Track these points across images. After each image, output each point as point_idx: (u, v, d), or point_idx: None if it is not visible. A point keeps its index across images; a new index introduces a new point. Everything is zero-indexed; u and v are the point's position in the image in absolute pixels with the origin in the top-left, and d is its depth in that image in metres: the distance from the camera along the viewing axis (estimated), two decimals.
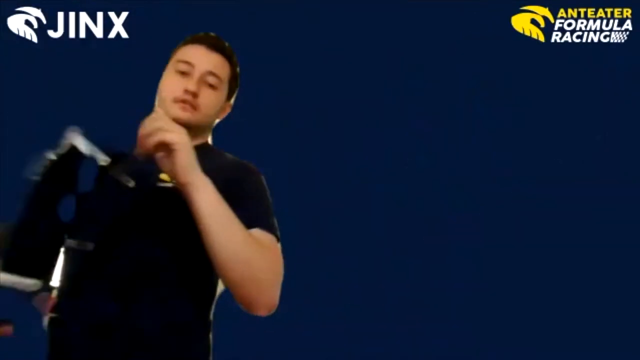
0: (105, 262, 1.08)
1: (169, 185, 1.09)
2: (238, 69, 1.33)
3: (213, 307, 1.17)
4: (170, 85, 1.25)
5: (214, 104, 1.27)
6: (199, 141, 1.25)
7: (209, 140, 1.33)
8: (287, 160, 2.32)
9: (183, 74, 1.24)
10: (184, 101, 1.23)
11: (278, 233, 1.14)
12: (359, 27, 2.44)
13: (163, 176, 1.12)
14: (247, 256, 1.04)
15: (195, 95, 1.23)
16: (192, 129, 1.20)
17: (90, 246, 1.08)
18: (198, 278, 1.11)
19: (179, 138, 1.01)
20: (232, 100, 1.36)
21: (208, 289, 1.14)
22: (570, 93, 2.42)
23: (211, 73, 1.25)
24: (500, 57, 2.42)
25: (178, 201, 1.04)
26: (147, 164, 1.03)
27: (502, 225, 2.38)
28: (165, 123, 1.02)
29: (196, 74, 1.24)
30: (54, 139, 1.06)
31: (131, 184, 1.03)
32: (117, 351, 1.04)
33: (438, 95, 2.44)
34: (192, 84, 1.23)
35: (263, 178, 1.22)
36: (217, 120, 1.34)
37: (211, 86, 1.25)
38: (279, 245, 1.13)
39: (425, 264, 2.37)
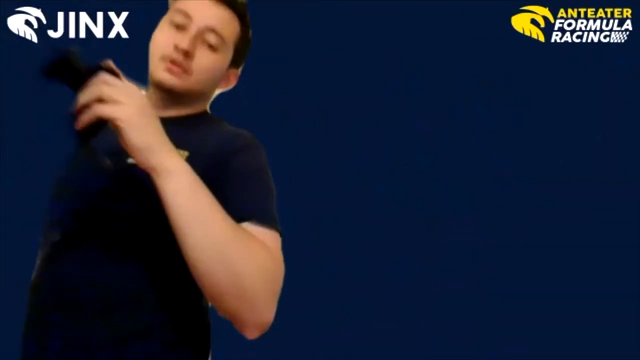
0: (71, 250, 0.91)
1: None
2: (250, 32, 1.09)
3: (203, 302, 0.94)
4: (160, 39, 1.03)
5: (210, 68, 1.03)
6: (190, 111, 1.05)
7: (208, 109, 1.11)
8: (287, 159, 2.32)
9: (178, 27, 1.01)
10: (172, 61, 1.00)
11: (278, 226, 0.90)
12: (359, 27, 2.43)
13: None
14: (232, 260, 0.80)
15: (187, 54, 0.99)
16: (182, 96, 1.03)
17: (57, 236, 0.92)
18: (180, 268, 0.86)
19: (122, 112, 0.77)
20: (240, 70, 1.12)
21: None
22: (570, 93, 2.42)
23: (212, 30, 1.01)
24: (500, 57, 2.42)
25: (146, 182, 0.83)
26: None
27: (502, 225, 2.37)
28: (106, 90, 0.78)
29: (193, 28, 1.00)
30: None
31: (107, 163, 0.87)
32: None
33: (438, 95, 2.44)
34: (185, 41, 0.99)
35: (264, 152, 1.00)
36: (219, 91, 1.12)
37: (210, 46, 1.01)
38: (279, 244, 0.89)
39: (425, 264, 2.36)
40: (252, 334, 0.85)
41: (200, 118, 1.07)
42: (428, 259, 2.37)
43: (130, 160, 0.87)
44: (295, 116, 2.40)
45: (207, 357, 0.95)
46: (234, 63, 1.09)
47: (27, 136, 2.16)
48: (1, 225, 2.03)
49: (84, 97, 0.78)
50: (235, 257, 0.80)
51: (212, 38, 1.01)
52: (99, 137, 0.80)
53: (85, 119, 0.77)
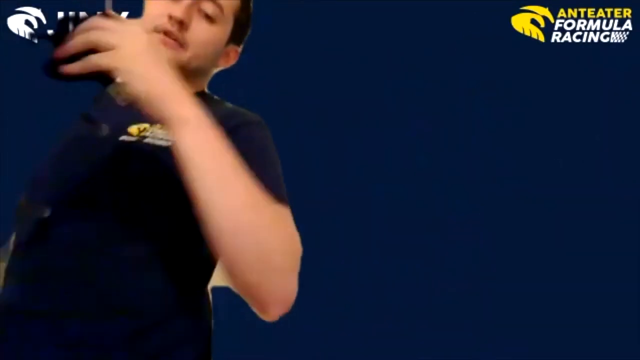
0: (58, 230, 0.82)
1: (133, 139, 0.80)
2: (251, 4, 1.00)
3: (206, 290, 0.87)
4: (153, 10, 0.93)
5: (208, 41, 0.94)
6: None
7: (205, 89, 1.02)
8: (287, 159, 2.31)
9: None
10: (165, 33, 0.90)
11: (288, 203, 0.84)
12: (359, 27, 2.43)
13: (131, 129, 0.84)
14: (258, 229, 0.71)
15: (182, 25, 0.90)
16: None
17: (47, 212, 0.84)
18: (180, 250, 0.80)
19: (122, 59, 0.66)
20: (240, 48, 1.03)
21: (197, 266, 0.83)
22: (570, 93, 2.42)
23: None
24: (500, 57, 2.42)
25: (140, 161, 0.77)
26: (124, 112, 0.73)
27: (502, 225, 2.37)
28: (101, 35, 0.66)
29: None
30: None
31: (104, 131, 0.79)
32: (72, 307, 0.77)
33: (438, 95, 2.44)
34: (179, 10, 0.90)
35: (268, 132, 0.93)
36: (218, 69, 1.02)
37: (207, 17, 0.93)
38: (292, 220, 0.83)
39: (425, 264, 2.36)
40: (274, 311, 0.78)
41: (197, 98, 0.97)
42: (428, 259, 2.37)
43: (122, 138, 0.81)
44: (296, 116, 2.40)
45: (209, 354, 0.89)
46: (234, 39, 1.00)
47: (27, 136, 2.16)
48: (1, 225, 2.03)
49: (74, 44, 0.66)
50: (262, 225, 0.72)
51: (209, 7, 0.92)
52: (98, 107, 0.72)
53: (75, 69, 0.66)
